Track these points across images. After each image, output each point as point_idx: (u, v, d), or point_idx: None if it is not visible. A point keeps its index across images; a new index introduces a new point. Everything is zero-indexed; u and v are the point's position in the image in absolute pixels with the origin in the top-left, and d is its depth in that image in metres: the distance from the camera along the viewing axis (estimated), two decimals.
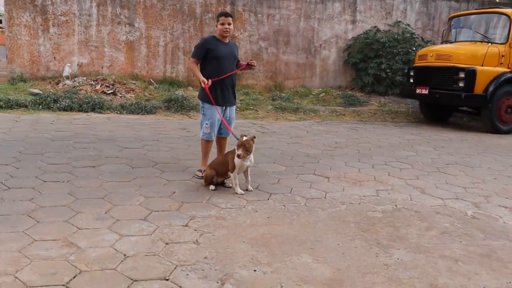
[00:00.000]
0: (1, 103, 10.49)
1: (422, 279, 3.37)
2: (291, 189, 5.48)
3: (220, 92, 5.87)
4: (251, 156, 5.24)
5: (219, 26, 5.82)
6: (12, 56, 13.24)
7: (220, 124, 6.04)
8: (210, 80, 5.68)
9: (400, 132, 10.36)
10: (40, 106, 10.62)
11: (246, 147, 5.08)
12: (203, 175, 5.64)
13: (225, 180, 5.47)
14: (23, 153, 6.57)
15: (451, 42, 11.91)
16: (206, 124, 5.91)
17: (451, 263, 3.66)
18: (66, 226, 4.03)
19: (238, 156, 5.07)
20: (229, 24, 5.82)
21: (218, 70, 5.82)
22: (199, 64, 5.92)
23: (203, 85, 5.71)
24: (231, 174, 5.24)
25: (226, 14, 5.89)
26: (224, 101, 5.96)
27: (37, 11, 13.16)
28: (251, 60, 6.11)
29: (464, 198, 5.45)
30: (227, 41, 5.98)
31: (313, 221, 4.46)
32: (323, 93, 14.60)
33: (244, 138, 5.15)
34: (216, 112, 5.88)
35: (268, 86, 14.96)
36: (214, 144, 6.14)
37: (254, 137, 5.27)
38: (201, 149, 6.11)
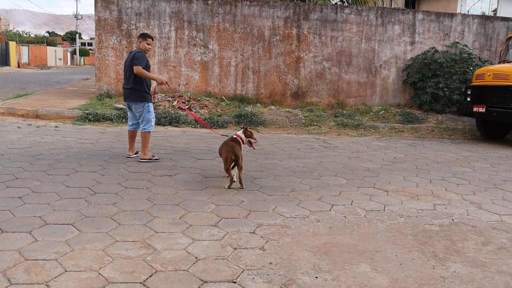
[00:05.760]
0: (90, 116, 10.94)
1: None
2: (352, 201, 5.40)
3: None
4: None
5: (146, 45, 7.03)
6: (101, 75, 13.80)
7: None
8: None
9: (457, 149, 10.02)
10: (124, 120, 10.95)
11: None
12: (151, 159, 6.97)
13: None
14: (107, 162, 6.81)
15: (509, 62, 11.41)
16: (153, 118, 7.14)
17: (508, 279, 3.49)
18: (144, 229, 4.13)
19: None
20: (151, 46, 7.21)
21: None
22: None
23: (163, 81, 7.26)
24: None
25: (153, 38, 7.24)
26: None
27: (122, 35, 13.67)
28: None
29: None
30: None
31: (373, 232, 4.38)
32: (383, 111, 14.35)
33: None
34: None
35: (330, 104, 14.86)
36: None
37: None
38: (144, 141, 7.00)
